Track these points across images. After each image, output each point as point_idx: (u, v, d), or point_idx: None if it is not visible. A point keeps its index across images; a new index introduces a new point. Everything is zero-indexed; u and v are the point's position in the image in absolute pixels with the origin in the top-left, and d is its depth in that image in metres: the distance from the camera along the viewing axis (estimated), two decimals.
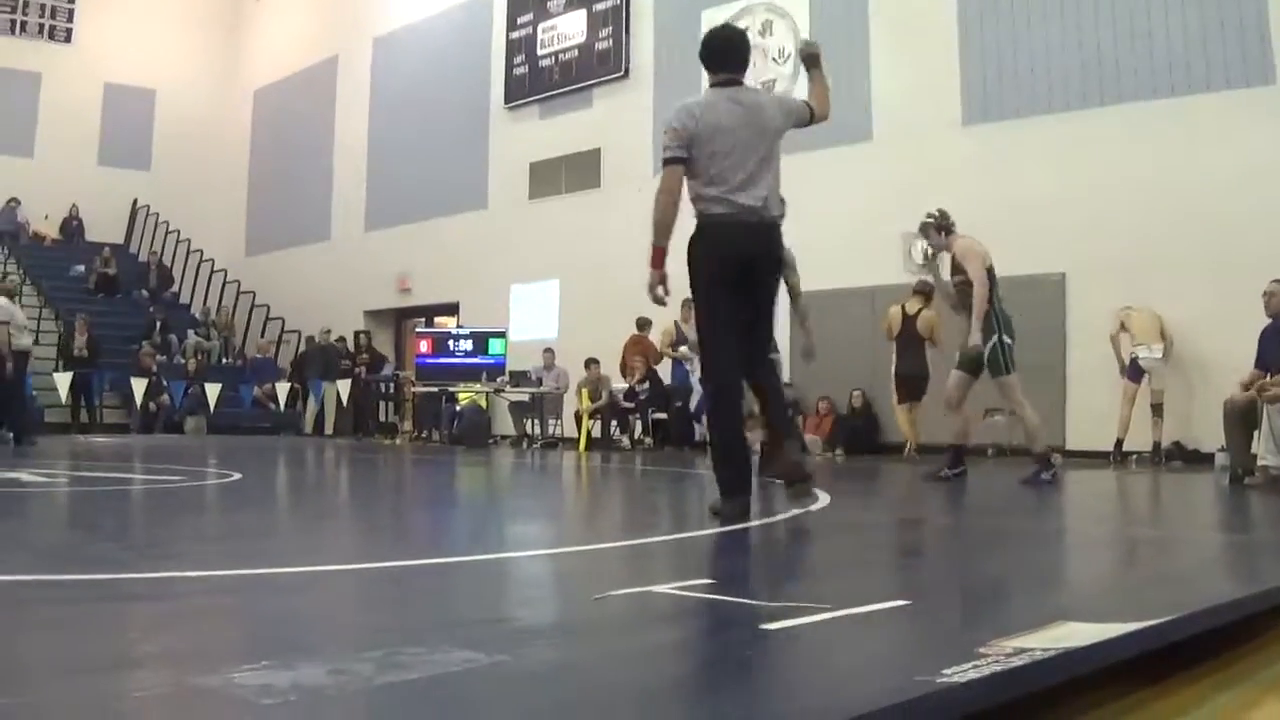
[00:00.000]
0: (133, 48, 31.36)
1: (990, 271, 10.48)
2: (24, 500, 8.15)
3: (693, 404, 18.08)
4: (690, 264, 6.49)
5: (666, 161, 6.47)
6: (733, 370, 6.56)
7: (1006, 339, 10.40)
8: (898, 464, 15.18)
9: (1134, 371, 14.94)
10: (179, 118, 31.47)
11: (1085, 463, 14.83)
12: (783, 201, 6.75)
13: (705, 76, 6.66)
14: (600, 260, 21.18)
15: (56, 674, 2.66)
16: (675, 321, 17.86)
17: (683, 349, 17.95)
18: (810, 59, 7.03)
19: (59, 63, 30.82)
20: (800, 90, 17.33)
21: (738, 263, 6.45)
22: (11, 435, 16.16)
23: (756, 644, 3.08)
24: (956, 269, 10.65)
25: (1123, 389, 15.02)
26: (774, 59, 19.41)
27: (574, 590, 4.46)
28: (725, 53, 6.64)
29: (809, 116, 6.80)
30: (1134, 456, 14.77)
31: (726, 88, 6.52)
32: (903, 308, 15.84)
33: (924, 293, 15.39)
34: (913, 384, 15.72)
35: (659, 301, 6.71)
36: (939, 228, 10.91)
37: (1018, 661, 2.65)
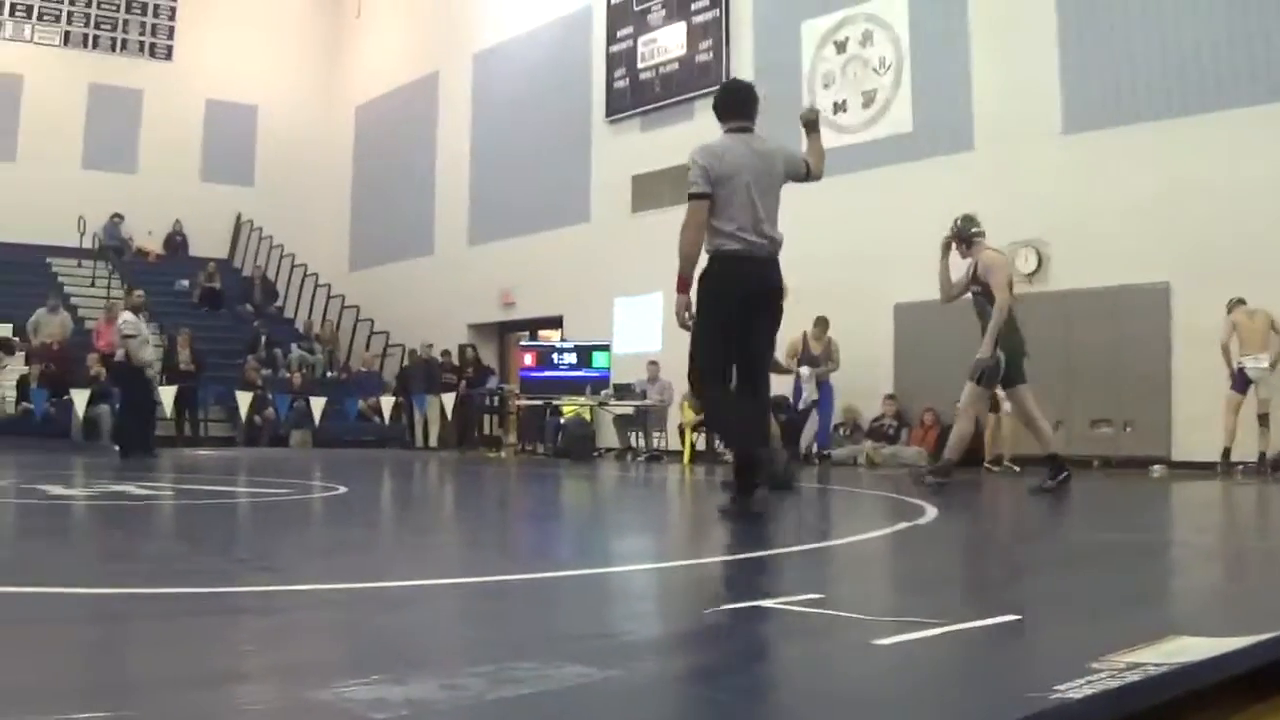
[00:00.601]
0: (233, 64, 32.43)
1: (1009, 286, 10.88)
2: (131, 513, 8.36)
3: (809, 428, 18.44)
4: (702, 293, 7.44)
5: (692, 196, 7.38)
6: (721, 387, 7.61)
7: (999, 354, 10.59)
8: (1001, 476, 15.46)
9: (1240, 381, 14.99)
10: (281, 133, 32.40)
11: (1192, 474, 14.93)
12: (780, 238, 7.60)
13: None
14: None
15: (165, 687, 2.72)
16: (804, 333, 18.24)
17: (804, 369, 18.30)
18: (809, 125, 8.19)
19: (160, 79, 31.96)
20: (901, 96, 17.80)
21: (747, 294, 7.41)
22: (132, 449, 16.90)
23: (868, 660, 3.11)
24: (977, 279, 10.90)
25: (1226, 399, 15.09)
26: (875, 69, 19.72)
27: (683, 605, 4.54)
28: (744, 103, 7.80)
29: (805, 172, 7.82)
30: (1240, 467, 14.81)
31: (741, 134, 7.57)
32: None
33: None
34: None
35: (685, 326, 7.52)
36: (961, 238, 11.16)
37: (1132, 677, 2.66)
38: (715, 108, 7.94)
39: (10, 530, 7.43)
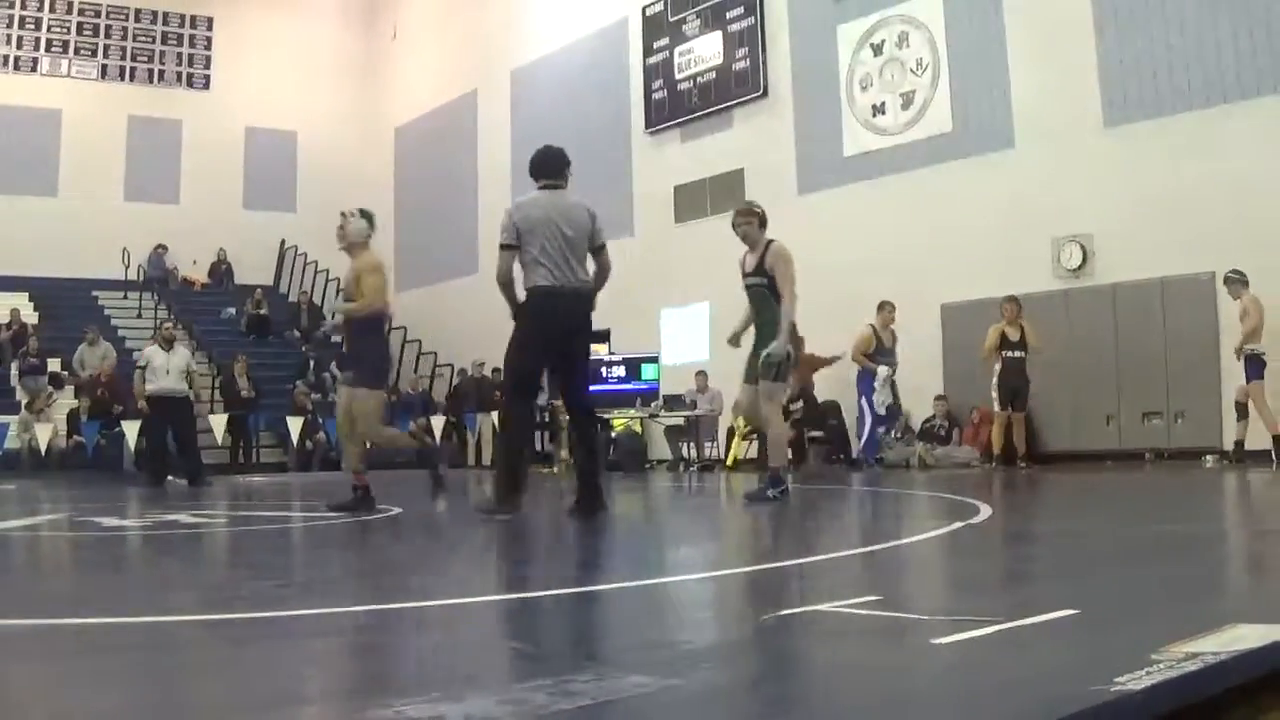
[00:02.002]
0: (271, 91, 33.51)
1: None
2: (184, 541, 8.65)
3: (864, 428, 18.28)
4: (521, 323, 9.14)
5: (501, 247, 8.96)
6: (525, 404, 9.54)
7: (790, 349, 10.59)
8: (1050, 472, 15.83)
9: (1257, 368, 15.33)
10: (321, 158, 33.24)
11: (1244, 463, 15.24)
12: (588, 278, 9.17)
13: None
14: None
15: (227, 713, 2.83)
16: (871, 326, 17.99)
17: (882, 369, 17.71)
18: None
19: (199, 109, 33.17)
20: (940, 96, 18.11)
21: (559, 323, 9.05)
22: (186, 478, 17.51)
23: (928, 660, 3.22)
24: (762, 269, 10.69)
25: (1253, 388, 15.45)
26: (912, 70, 20.26)
27: (740, 612, 4.66)
28: (554, 165, 9.28)
29: (596, 247, 9.29)
30: None
31: (550, 190, 9.18)
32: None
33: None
34: None
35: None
36: (762, 221, 10.97)
37: (1191, 666, 2.73)
38: (529, 168, 9.33)
39: (68, 562, 7.73)
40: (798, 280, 10.62)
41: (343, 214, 10.62)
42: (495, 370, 26.69)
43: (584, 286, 9.11)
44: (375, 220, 10.73)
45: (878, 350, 17.88)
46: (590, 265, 9.21)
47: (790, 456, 10.67)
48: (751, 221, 10.88)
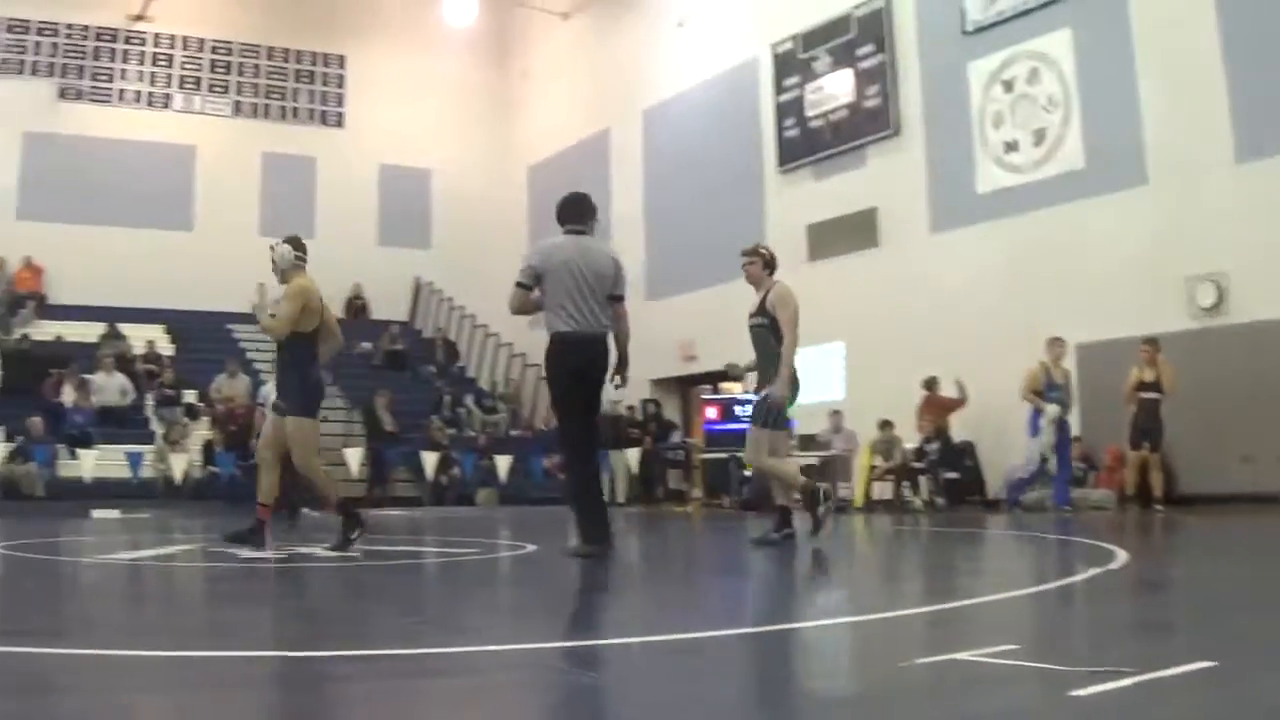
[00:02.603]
0: (405, 129, 34.97)
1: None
2: (320, 575, 8.91)
3: (1028, 466, 18.44)
4: (547, 369, 9.85)
5: (517, 284, 9.60)
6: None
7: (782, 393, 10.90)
8: (1186, 515, 16.12)
9: None
10: (455, 196, 34.52)
11: None
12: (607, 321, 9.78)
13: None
14: (883, 319, 22.81)
15: None
16: (1042, 363, 18.21)
17: (1051, 408, 17.84)
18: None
19: (333, 146, 34.81)
20: (1071, 132, 18.37)
21: (578, 366, 9.62)
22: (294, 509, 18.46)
23: (1066, 712, 3.30)
24: (764, 310, 11.18)
25: None
26: (1044, 107, 20.68)
27: (878, 659, 4.70)
28: (580, 211, 9.94)
29: (617, 296, 9.92)
30: None
31: (575, 235, 9.80)
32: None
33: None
34: None
35: None
36: (767, 263, 11.41)
37: None
38: (557, 212, 9.99)
39: (203, 594, 8.10)
40: (799, 323, 11.27)
41: (271, 246, 11.14)
42: (629, 408, 27.54)
43: (603, 331, 9.70)
44: (303, 245, 11.10)
45: (1048, 387, 18.08)
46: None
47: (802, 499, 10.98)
48: (755, 262, 11.44)
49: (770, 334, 11.11)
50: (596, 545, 9.52)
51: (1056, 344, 18.31)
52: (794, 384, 11.26)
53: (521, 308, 9.72)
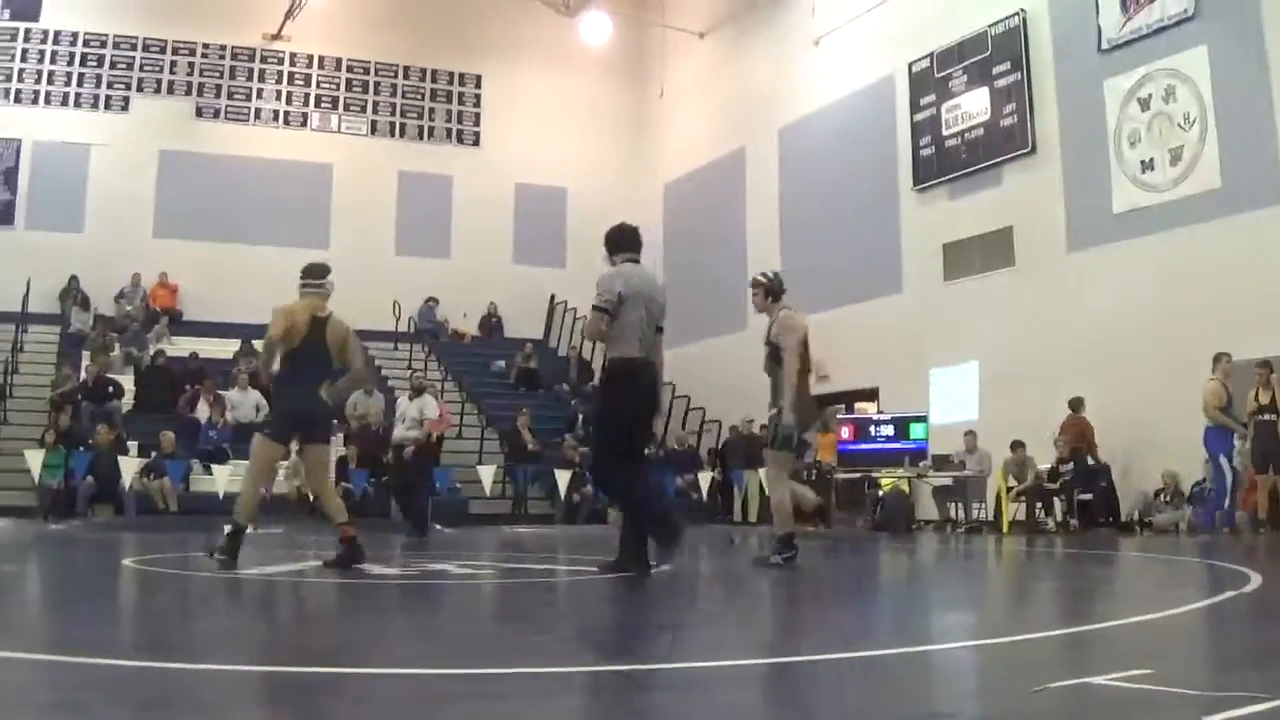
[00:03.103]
0: (540, 148, 36.08)
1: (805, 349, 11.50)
2: (451, 592, 9.20)
3: (1222, 488, 18.29)
4: (610, 392, 10.31)
5: (596, 309, 10.03)
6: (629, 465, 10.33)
7: (790, 418, 11.27)
8: None
9: None
10: (590, 214, 34.80)
11: None
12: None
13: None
14: (1019, 339, 23.18)
15: None
16: (1217, 379, 18.41)
17: (1227, 421, 18.07)
18: None
19: (469, 165, 36.01)
20: (1208, 150, 18.43)
21: (645, 393, 10.10)
22: (411, 524, 19.28)
23: None
24: (770, 339, 11.57)
25: None
26: (1180, 125, 20.87)
27: (1010, 683, 4.69)
28: (635, 240, 10.49)
29: (661, 328, 10.38)
30: None
31: (636, 264, 10.37)
32: None
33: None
34: None
35: None
36: (769, 292, 11.67)
37: None
38: (609, 242, 10.51)
39: (335, 610, 8.23)
40: (803, 350, 11.52)
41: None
42: (762, 427, 27.99)
43: (657, 360, 10.25)
44: (314, 271, 11.73)
45: (1229, 404, 18.33)
46: None
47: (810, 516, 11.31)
48: (758, 292, 11.84)
49: (775, 361, 11.50)
50: (669, 553, 10.11)
51: (1223, 359, 18.46)
52: (809, 410, 11.71)
53: (603, 334, 10.09)
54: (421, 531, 18.92)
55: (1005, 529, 21.35)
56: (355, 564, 10.33)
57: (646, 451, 11.24)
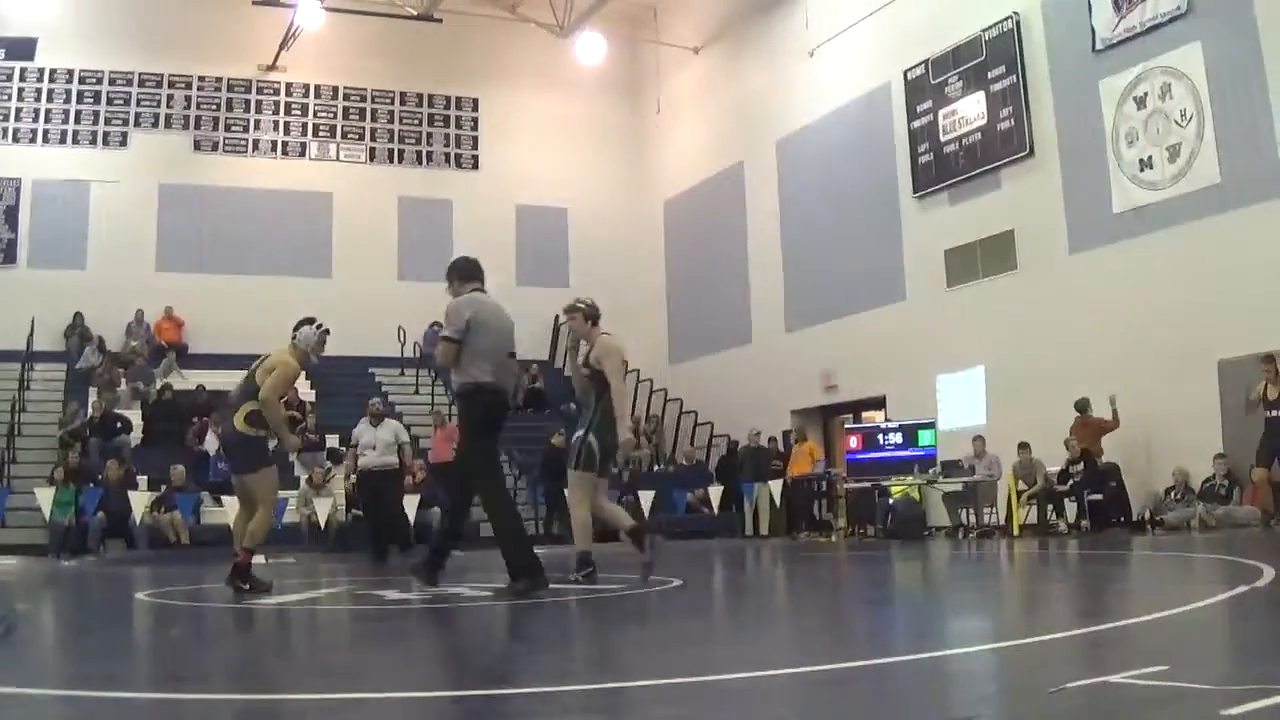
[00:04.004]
0: (540, 169, 36.31)
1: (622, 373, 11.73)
2: (467, 615, 9.17)
3: None
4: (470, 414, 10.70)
5: (444, 339, 10.47)
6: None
7: (593, 439, 11.40)
8: None
9: None
10: (592, 233, 35.71)
11: None
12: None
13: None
14: (1024, 342, 23.31)
15: None
16: (1265, 382, 18.55)
17: None
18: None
19: (469, 189, 36.24)
20: (1206, 146, 18.48)
21: (496, 415, 10.61)
22: (397, 547, 19.46)
23: None
24: (589, 363, 11.64)
25: None
26: (1176, 122, 20.96)
27: (1028, 684, 4.77)
28: (479, 270, 11.00)
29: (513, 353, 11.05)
30: None
31: (482, 292, 10.85)
32: None
33: None
34: None
35: None
36: (587, 316, 11.78)
37: None
38: (454, 273, 11.00)
39: (347, 635, 8.32)
40: (623, 373, 11.69)
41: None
42: (771, 439, 28.19)
43: (510, 383, 10.84)
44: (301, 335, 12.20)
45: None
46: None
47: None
48: (575, 316, 11.96)
49: (595, 384, 11.59)
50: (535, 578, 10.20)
51: (1270, 361, 18.56)
52: (613, 432, 11.56)
53: (454, 362, 10.48)
54: (384, 560, 19.00)
55: (1017, 532, 21.42)
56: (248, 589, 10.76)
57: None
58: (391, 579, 13.29)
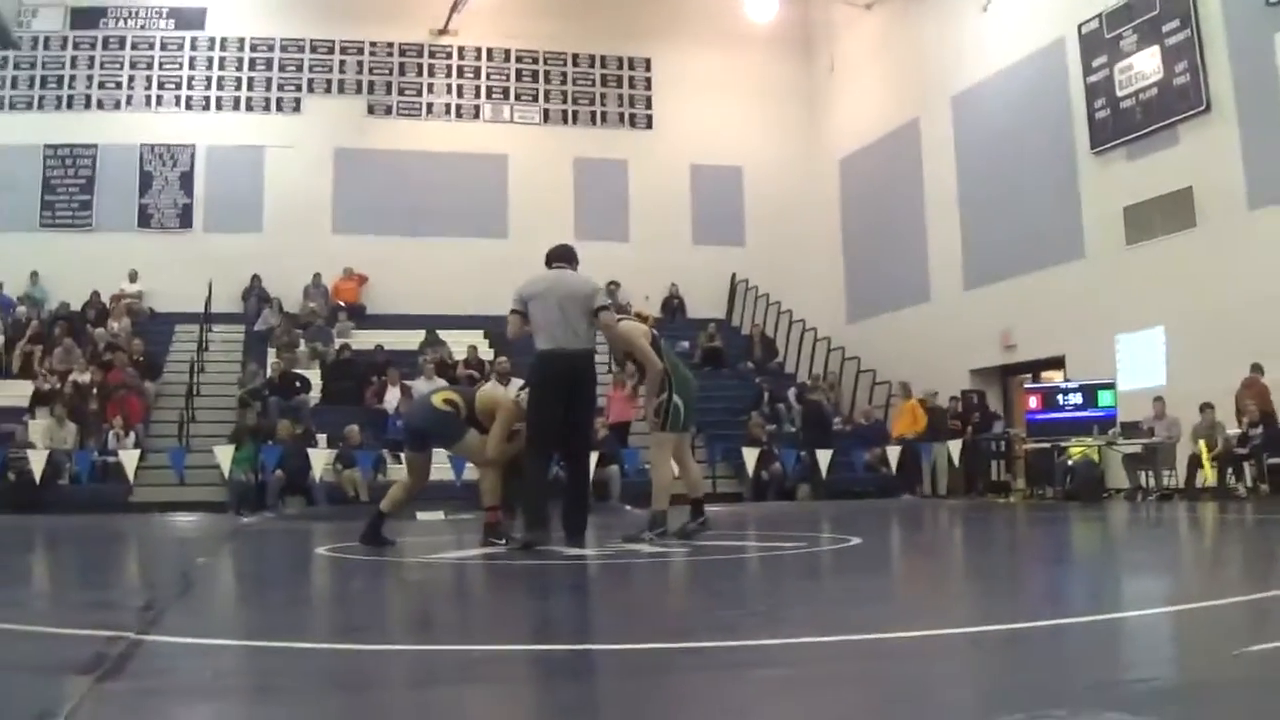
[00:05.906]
0: (713, 128, 36.91)
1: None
2: (647, 570, 9.42)
3: None
4: (531, 382, 11.84)
5: (512, 312, 11.50)
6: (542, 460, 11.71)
7: (678, 399, 11.86)
8: None
9: None
10: (767, 192, 36.20)
11: None
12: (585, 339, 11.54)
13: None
14: (1204, 301, 23.23)
15: None
16: None
17: None
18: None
19: (643, 148, 37.03)
20: None
21: (559, 379, 11.34)
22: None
23: None
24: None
25: None
26: None
27: (1210, 646, 4.75)
28: (564, 255, 11.81)
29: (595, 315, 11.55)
30: None
31: (558, 270, 11.69)
32: None
33: None
34: None
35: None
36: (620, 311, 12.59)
37: None
38: (547, 258, 11.91)
39: (537, 590, 8.27)
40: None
41: None
42: (952, 398, 28.40)
43: (582, 348, 11.46)
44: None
45: None
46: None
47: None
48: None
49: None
50: (537, 536, 11.00)
51: None
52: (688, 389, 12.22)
53: (519, 333, 11.64)
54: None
55: (1204, 490, 21.42)
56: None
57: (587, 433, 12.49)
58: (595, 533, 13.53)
